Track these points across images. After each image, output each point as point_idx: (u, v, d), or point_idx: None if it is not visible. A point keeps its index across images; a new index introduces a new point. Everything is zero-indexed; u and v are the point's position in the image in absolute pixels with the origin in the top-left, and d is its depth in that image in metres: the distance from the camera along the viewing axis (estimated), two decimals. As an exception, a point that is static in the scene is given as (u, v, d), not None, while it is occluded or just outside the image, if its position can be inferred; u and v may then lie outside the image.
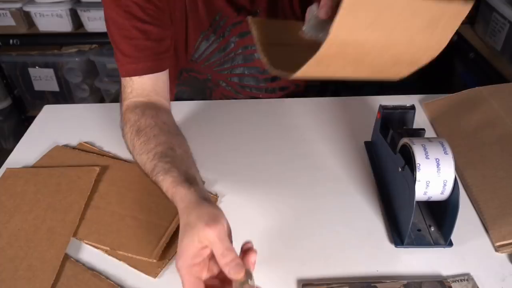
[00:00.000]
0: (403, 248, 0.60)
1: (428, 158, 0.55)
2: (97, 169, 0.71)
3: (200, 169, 0.73)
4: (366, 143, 0.78)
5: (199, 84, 0.89)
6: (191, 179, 0.55)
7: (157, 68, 0.71)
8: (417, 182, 0.55)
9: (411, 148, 0.57)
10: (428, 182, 0.56)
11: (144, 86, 0.70)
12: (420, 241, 0.60)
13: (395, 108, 0.69)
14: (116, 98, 1.77)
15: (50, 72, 1.79)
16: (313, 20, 0.51)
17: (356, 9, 0.41)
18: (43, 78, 1.81)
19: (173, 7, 0.73)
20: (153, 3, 0.68)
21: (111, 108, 0.90)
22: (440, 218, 0.62)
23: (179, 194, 0.53)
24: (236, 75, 0.88)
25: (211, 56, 0.83)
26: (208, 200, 0.52)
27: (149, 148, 0.61)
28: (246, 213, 0.65)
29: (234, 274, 0.44)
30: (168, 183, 0.55)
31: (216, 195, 0.68)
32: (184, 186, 0.53)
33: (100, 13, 1.59)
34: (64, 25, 1.64)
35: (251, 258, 0.48)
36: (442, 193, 0.56)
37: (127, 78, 0.71)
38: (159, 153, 0.60)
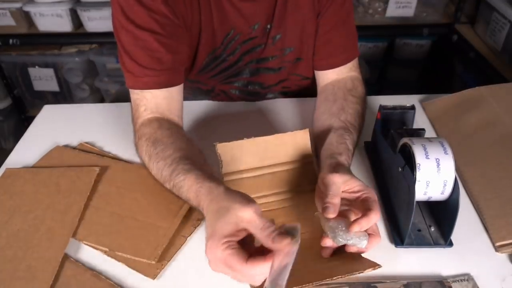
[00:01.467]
0: (403, 248, 0.59)
1: (428, 158, 0.55)
2: (97, 169, 0.71)
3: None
4: (366, 143, 0.78)
5: (200, 94, 0.89)
6: (213, 177, 0.57)
7: (174, 82, 0.71)
8: (417, 182, 0.55)
9: (411, 148, 0.57)
10: (428, 182, 0.55)
11: (158, 103, 0.70)
12: (420, 241, 0.60)
13: (395, 108, 0.69)
14: (116, 98, 1.76)
15: (50, 72, 1.79)
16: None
17: None
18: (43, 78, 1.81)
19: (189, 24, 0.72)
20: (170, 19, 0.67)
21: (111, 108, 0.90)
22: (440, 218, 0.62)
23: (205, 188, 0.54)
24: (239, 88, 0.88)
25: (219, 70, 0.83)
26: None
27: (166, 155, 0.62)
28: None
29: (279, 242, 0.45)
30: (192, 181, 0.56)
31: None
32: (209, 181, 0.55)
33: (100, 13, 1.59)
34: (64, 25, 1.64)
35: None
36: (442, 193, 0.56)
37: (140, 95, 0.70)
38: (178, 157, 0.61)
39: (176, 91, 0.72)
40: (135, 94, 0.70)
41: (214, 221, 0.49)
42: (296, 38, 0.80)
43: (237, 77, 0.85)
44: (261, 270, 0.46)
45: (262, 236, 0.46)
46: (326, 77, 0.82)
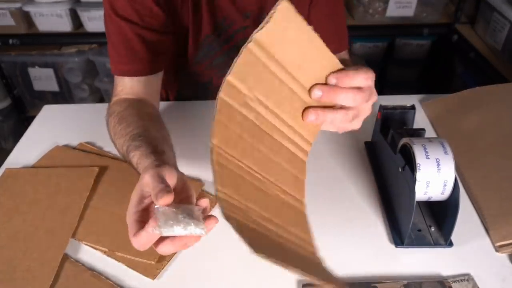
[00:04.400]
0: (403, 248, 0.59)
1: (428, 158, 0.55)
2: (97, 169, 0.70)
3: (199, 169, 0.73)
4: (366, 143, 0.78)
5: (200, 88, 0.89)
6: (158, 152, 0.55)
7: (149, 71, 0.72)
8: (417, 182, 0.55)
9: (411, 148, 0.57)
10: (428, 182, 0.55)
11: (134, 87, 0.72)
12: (420, 241, 0.60)
13: (395, 108, 0.69)
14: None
15: (50, 72, 1.79)
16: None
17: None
18: (43, 78, 1.81)
19: (179, 12, 0.73)
20: (151, 9, 0.68)
21: (110, 108, 0.89)
22: (440, 218, 0.61)
23: (142, 165, 0.54)
24: None
25: (214, 59, 0.83)
26: (170, 165, 0.51)
27: (127, 132, 0.62)
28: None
29: (161, 197, 0.44)
30: (137, 158, 0.56)
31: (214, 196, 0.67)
32: (149, 157, 0.54)
33: (100, 13, 1.59)
34: (64, 25, 1.64)
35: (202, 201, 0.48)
36: (442, 193, 0.56)
37: (119, 78, 0.72)
38: (134, 134, 0.60)
39: (153, 78, 0.73)
40: (116, 77, 0.73)
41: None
42: None
43: None
44: (144, 239, 0.45)
45: (152, 196, 0.46)
46: None
